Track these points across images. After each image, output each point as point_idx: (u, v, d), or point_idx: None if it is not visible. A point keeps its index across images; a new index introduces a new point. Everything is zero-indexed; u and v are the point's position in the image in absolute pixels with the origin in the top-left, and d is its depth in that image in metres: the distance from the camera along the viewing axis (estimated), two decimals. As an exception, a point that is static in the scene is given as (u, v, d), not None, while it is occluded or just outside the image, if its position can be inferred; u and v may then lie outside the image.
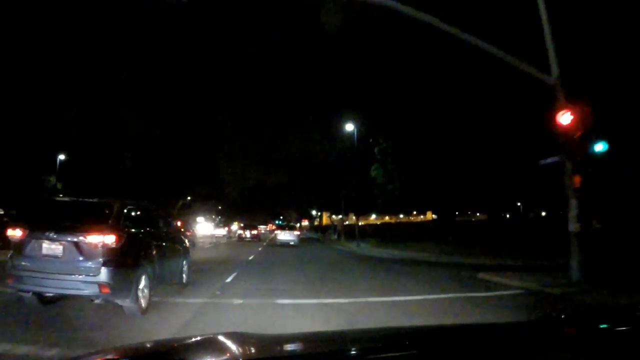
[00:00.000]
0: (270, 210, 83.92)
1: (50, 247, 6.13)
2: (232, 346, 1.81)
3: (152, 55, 36.40)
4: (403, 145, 30.22)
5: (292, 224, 48.90)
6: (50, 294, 6.64)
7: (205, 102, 42.54)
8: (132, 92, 34.16)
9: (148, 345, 1.98)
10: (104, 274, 6.03)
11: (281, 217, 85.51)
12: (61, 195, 27.22)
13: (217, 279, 11.05)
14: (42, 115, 30.27)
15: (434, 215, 73.96)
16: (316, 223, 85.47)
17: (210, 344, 1.88)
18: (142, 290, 6.64)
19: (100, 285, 6.03)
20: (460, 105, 25.07)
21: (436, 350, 1.76)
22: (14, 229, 6.45)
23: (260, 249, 26.94)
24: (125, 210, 7.01)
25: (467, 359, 1.66)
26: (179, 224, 19.47)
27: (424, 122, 27.96)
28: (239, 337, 1.94)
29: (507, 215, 52.15)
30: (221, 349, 1.81)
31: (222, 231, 52.05)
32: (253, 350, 1.81)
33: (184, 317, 6.66)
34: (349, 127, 33.10)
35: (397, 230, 52.29)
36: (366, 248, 30.83)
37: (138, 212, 7.58)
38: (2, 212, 20.87)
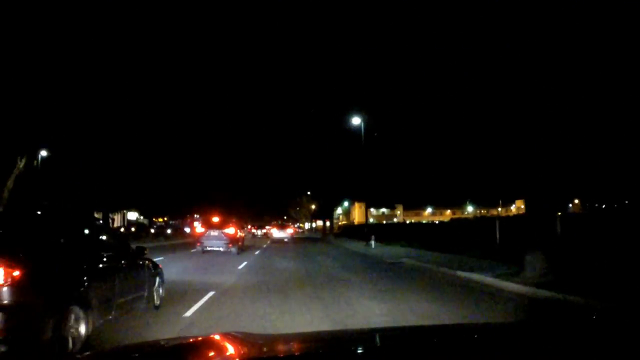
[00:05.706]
0: (277, 210, 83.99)
1: (215, 234, 21.46)
2: (232, 346, 1.87)
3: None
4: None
5: (285, 223, 52.37)
6: (210, 249, 21.71)
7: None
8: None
9: (149, 345, 2.07)
10: (230, 242, 21.38)
11: (285, 217, 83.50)
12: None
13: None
14: None
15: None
16: (342, 222, 71.12)
17: (210, 344, 1.95)
18: (239, 247, 22.08)
19: (228, 244, 21.35)
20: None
21: (436, 350, 1.79)
22: (201, 227, 21.83)
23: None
24: (234, 223, 22.53)
25: (467, 359, 1.69)
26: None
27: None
28: (239, 337, 1.99)
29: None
30: (221, 349, 1.87)
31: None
32: (253, 350, 1.85)
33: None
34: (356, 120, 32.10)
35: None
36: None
37: (238, 225, 23.25)
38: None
